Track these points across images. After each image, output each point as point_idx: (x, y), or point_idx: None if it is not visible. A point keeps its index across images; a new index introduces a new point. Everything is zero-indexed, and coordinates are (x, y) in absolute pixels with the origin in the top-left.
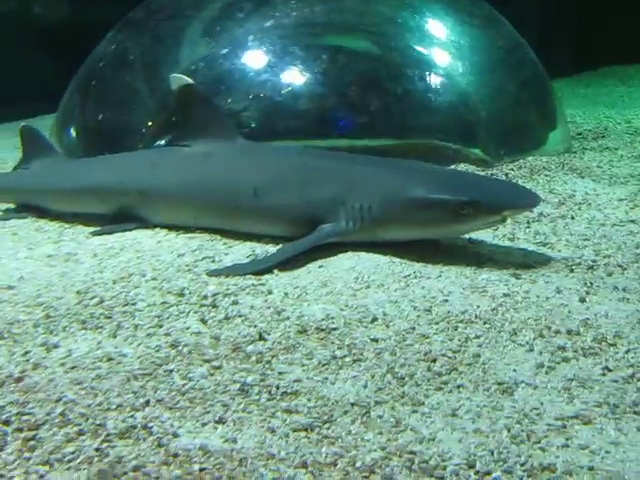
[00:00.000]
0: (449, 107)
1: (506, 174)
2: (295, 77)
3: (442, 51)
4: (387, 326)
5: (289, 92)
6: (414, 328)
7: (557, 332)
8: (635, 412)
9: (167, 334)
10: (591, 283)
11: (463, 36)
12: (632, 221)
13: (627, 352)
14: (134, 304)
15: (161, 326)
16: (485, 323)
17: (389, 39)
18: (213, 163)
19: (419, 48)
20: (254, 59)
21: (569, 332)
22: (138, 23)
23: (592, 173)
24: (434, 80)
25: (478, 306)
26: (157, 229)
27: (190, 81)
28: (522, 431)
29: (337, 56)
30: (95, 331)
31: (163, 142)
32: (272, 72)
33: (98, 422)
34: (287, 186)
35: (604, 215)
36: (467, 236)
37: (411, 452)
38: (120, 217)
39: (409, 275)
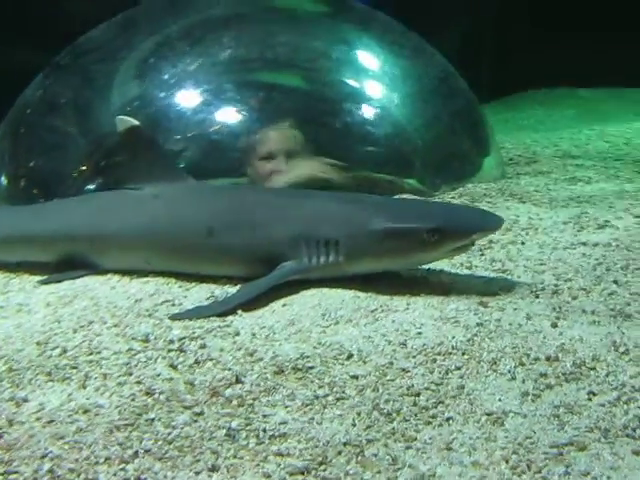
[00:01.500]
0: (384, 139)
1: (448, 202)
2: (232, 115)
3: (376, 83)
4: (364, 362)
5: (226, 130)
6: (392, 363)
7: (536, 359)
8: (627, 435)
9: (139, 382)
10: (559, 308)
11: (396, 67)
12: (583, 243)
13: (607, 375)
14: (99, 352)
15: (131, 374)
16: (463, 354)
17: (323, 74)
18: (164, 205)
19: (353, 82)
20: (189, 98)
21: (548, 358)
22: (66, 67)
23: (532, 198)
24: (369, 113)
25: (453, 337)
26: (109, 275)
27: (136, 122)
28: (520, 461)
29: (273, 93)
30: (63, 382)
31: (94, 187)
32: (208, 111)
33: (90, 477)
34: (243, 225)
35: (553, 239)
36: (426, 267)
37: None
38: (68, 264)
39: (376, 309)
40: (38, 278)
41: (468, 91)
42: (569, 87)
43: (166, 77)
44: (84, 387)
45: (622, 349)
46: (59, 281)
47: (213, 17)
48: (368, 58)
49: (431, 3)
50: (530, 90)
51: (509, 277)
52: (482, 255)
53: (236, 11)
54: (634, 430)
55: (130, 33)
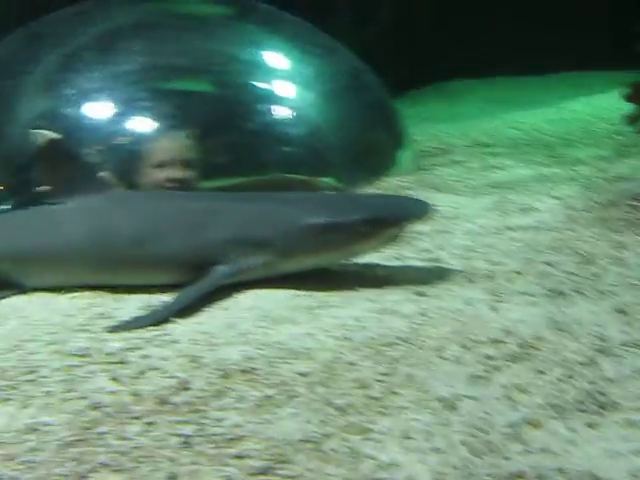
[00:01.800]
0: (300, 139)
1: None
2: (146, 124)
3: (289, 83)
4: (311, 359)
5: (140, 140)
6: (339, 357)
7: (481, 342)
8: (579, 410)
9: (83, 397)
10: (496, 291)
11: (307, 67)
12: (509, 228)
13: (552, 353)
14: (37, 371)
15: (73, 390)
16: (408, 343)
17: (235, 77)
18: (89, 217)
19: (266, 83)
20: (101, 109)
21: (492, 341)
22: None
23: (451, 187)
24: (283, 113)
25: (396, 327)
26: (36, 293)
27: (55, 135)
28: (479, 443)
29: (186, 99)
30: (5, 403)
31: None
32: (121, 121)
33: None
34: (173, 232)
35: (479, 226)
36: (358, 262)
37: (379, 479)
38: None
39: (315, 306)
40: None
41: (380, 86)
42: (473, 78)
43: (76, 89)
44: (27, 407)
45: (563, 327)
46: None
47: (121, 26)
48: (279, 59)
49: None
50: (435, 83)
51: (441, 265)
52: (411, 246)
53: (144, 19)
54: (585, 404)
55: (36, 46)
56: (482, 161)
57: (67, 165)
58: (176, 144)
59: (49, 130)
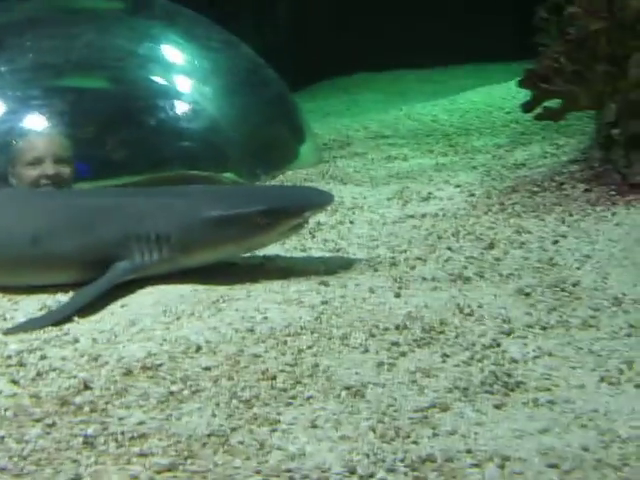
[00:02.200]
0: (198, 134)
1: None
2: (39, 122)
3: (186, 78)
4: (214, 353)
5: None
6: (243, 350)
7: (386, 329)
8: (486, 392)
9: None
10: (400, 278)
11: (205, 61)
12: (410, 216)
13: (457, 337)
14: None
15: None
16: (313, 333)
17: (131, 72)
18: None
19: (163, 78)
20: None
21: (397, 327)
22: None
23: (352, 179)
24: (181, 109)
25: (300, 317)
26: None
27: None
28: (388, 429)
29: (80, 96)
30: None
31: None
32: (14, 118)
33: None
34: (69, 229)
35: (380, 215)
36: (261, 254)
37: (288, 470)
38: None
39: (217, 300)
40: None
41: (278, 80)
42: (369, 72)
43: None
44: None
45: (467, 310)
46: None
47: (11, 22)
48: (176, 53)
49: None
50: (332, 77)
51: (345, 255)
52: (313, 237)
53: (35, 15)
54: (491, 385)
55: None
56: (382, 152)
57: None
58: (47, 141)
59: None
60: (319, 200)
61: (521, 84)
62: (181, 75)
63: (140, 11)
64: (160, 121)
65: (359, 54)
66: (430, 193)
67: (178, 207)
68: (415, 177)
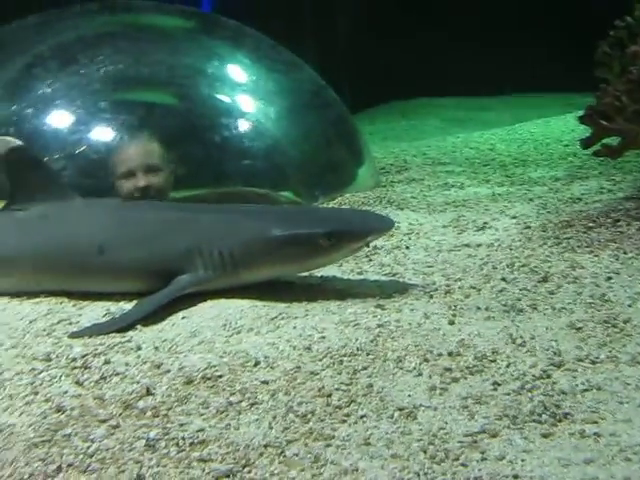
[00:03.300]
0: (260, 153)
1: None
2: (108, 134)
3: (251, 98)
4: (272, 368)
5: (102, 151)
6: (300, 367)
7: (439, 355)
8: (534, 420)
9: (47, 400)
10: (454, 306)
11: (269, 82)
12: (466, 245)
13: (508, 366)
14: (0, 374)
15: (37, 393)
16: (368, 354)
17: (198, 90)
18: (52, 224)
19: (228, 97)
20: (63, 118)
21: (450, 354)
22: None
23: (409, 204)
24: (245, 127)
25: (356, 339)
26: None
27: (19, 142)
28: (438, 451)
29: (148, 111)
30: None
31: None
32: (83, 130)
33: None
34: (136, 240)
35: (436, 242)
36: (318, 274)
37: None
38: None
39: (276, 317)
40: None
41: (339, 103)
42: (428, 97)
43: (38, 97)
44: None
45: (519, 341)
46: None
47: (85, 36)
48: (242, 73)
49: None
50: (391, 101)
51: (400, 280)
52: (370, 261)
53: (107, 30)
54: (540, 415)
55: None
56: (439, 179)
57: (31, 172)
58: (137, 152)
59: (12, 137)
60: (381, 225)
61: (581, 120)
62: (246, 95)
63: (209, 30)
64: (224, 139)
65: (419, 78)
66: (486, 223)
67: (243, 224)
68: (471, 206)
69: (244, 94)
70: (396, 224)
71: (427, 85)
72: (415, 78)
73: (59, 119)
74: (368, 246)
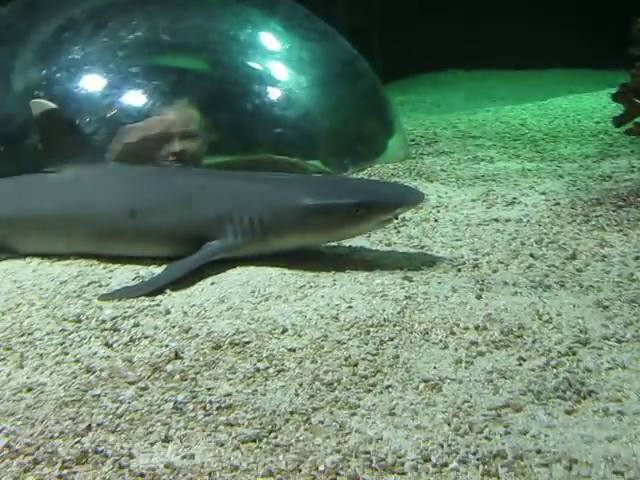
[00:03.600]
0: (291, 122)
1: None
2: (141, 99)
3: (283, 66)
4: (299, 336)
5: (134, 115)
6: (327, 336)
7: (466, 329)
8: (559, 397)
9: (77, 361)
10: (482, 280)
11: (303, 51)
12: (495, 219)
13: (534, 342)
14: (31, 334)
15: (67, 353)
16: (395, 325)
17: (231, 57)
18: (84, 187)
19: (260, 65)
20: (95, 81)
21: (477, 328)
22: None
23: (439, 177)
24: (276, 96)
25: (384, 310)
26: (28, 258)
27: (53, 105)
28: (462, 423)
29: (181, 76)
30: (1, 363)
31: None
32: (117, 94)
33: (49, 450)
34: (167, 205)
35: (464, 216)
36: (347, 244)
37: (366, 452)
38: None
39: (304, 285)
40: None
41: (371, 73)
42: (461, 69)
43: (71, 60)
44: (22, 367)
45: (545, 317)
46: None
47: (118, 0)
48: (275, 41)
49: None
50: (422, 72)
51: (428, 253)
52: (398, 232)
53: None
54: (564, 392)
55: (33, 16)
56: (469, 153)
57: (64, 135)
58: (174, 117)
59: (47, 100)
60: (411, 198)
61: (614, 98)
62: (278, 63)
63: None
64: (255, 106)
65: (452, 50)
66: (515, 198)
67: (273, 192)
68: (501, 180)
69: (277, 62)
70: (425, 197)
71: (461, 56)
72: (449, 49)
73: (91, 83)
74: (397, 218)
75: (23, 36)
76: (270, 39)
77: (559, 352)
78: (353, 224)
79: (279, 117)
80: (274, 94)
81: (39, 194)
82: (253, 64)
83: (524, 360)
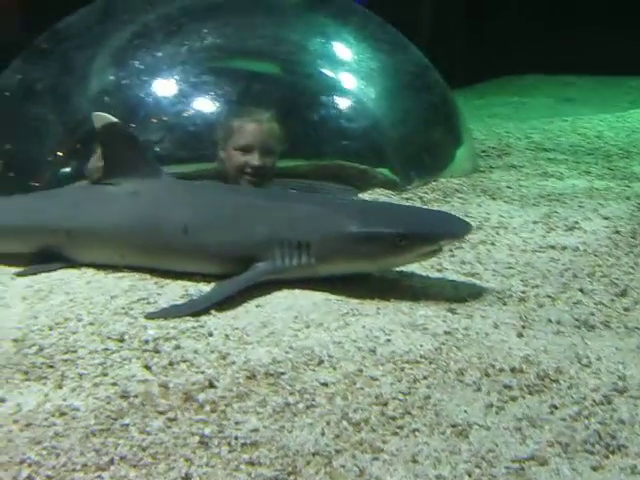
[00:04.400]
0: (359, 132)
1: (420, 197)
2: (210, 106)
3: (353, 77)
4: (334, 369)
5: (204, 121)
6: (361, 370)
7: (501, 370)
8: (586, 450)
9: (114, 383)
10: (525, 317)
11: (373, 61)
12: (551, 247)
13: (569, 388)
14: (75, 351)
15: (106, 374)
16: (431, 363)
17: (301, 66)
18: (141, 201)
19: (330, 74)
20: (167, 88)
21: (513, 370)
22: (45, 53)
23: (503, 194)
24: (345, 105)
25: (421, 345)
26: (83, 269)
27: (114, 119)
28: (483, 475)
29: (251, 83)
30: (39, 382)
31: (69, 169)
32: (187, 101)
33: None
34: (219, 223)
35: (522, 240)
36: (397, 269)
37: None
38: (43, 257)
39: (347, 313)
40: (14, 270)
41: (443, 84)
42: (542, 73)
43: (144, 66)
44: (60, 387)
45: (584, 361)
46: (35, 274)
47: (191, 7)
48: (345, 51)
49: None
50: (505, 76)
51: (478, 282)
52: (452, 256)
53: (214, 1)
54: (593, 445)
55: (109, 21)
56: (539, 167)
57: (124, 148)
58: (259, 129)
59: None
60: (456, 230)
61: None
62: (348, 73)
63: (316, 6)
64: (323, 117)
65: (535, 54)
66: (576, 222)
67: (322, 217)
68: (565, 201)
69: (346, 72)
70: (486, 215)
71: (543, 60)
72: (531, 52)
73: (162, 88)
74: (442, 250)
75: (99, 40)
76: (341, 49)
77: (594, 400)
78: (396, 254)
79: (347, 127)
80: (342, 104)
81: (97, 206)
82: (322, 74)
83: (556, 408)
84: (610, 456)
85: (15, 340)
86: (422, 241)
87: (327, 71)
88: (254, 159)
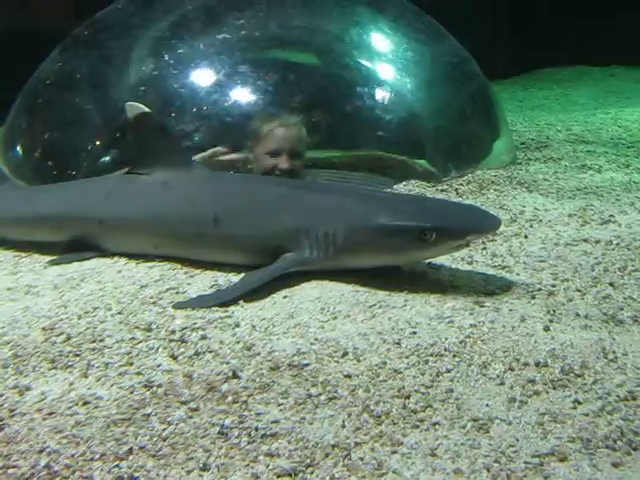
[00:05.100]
0: (397, 122)
1: (456, 189)
2: (246, 96)
3: (390, 67)
4: (358, 361)
5: (240, 111)
6: (385, 363)
7: (526, 364)
8: (608, 447)
9: (139, 373)
10: (553, 310)
11: (410, 52)
12: (585, 240)
13: (594, 383)
14: (102, 340)
15: (132, 364)
16: (455, 356)
17: (338, 57)
18: (172, 191)
19: (367, 65)
20: (204, 78)
21: (537, 364)
22: (84, 42)
23: (539, 187)
24: (383, 96)
25: (446, 338)
26: (115, 258)
27: (146, 109)
28: (501, 470)
29: (288, 74)
30: (65, 370)
31: (108, 158)
32: (222, 91)
33: (85, 474)
34: (248, 214)
35: (556, 233)
36: (427, 261)
37: None
38: (76, 246)
39: (374, 305)
40: (48, 258)
41: (481, 75)
42: (587, 65)
43: (181, 56)
44: (85, 376)
45: (611, 356)
46: (68, 262)
47: None
48: (382, 42)
49: None
50: (548, 68)
51: (508, 275)
52: (484, 249)
53: None
54: (615, 441)
55: (147, 11)
56: (577, 160)
57: (156, 139)
58: (288, 134)
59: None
60: (485, 225)
61: None
62: (385, 64)
63: None
64: (359, 107)
65: (580, 46)
66: (612, 216)
67: (350, 209)
68: (602, 194)
69: (383, 63)
70: (521, 207)
71: (588, 52)
72: (576, 45)
73: (199, 79)
74: (468, 245)
75: (137, 31)
76: (377, 40)
77: (618, 396)
78: (422, 248)
79: (384, 117)
80: (379, 95)
81: (129, 195)
82: (360, 64)
83: (579, 403)
84: (632, 452)
85: (44, 329)
86: (448, 236)
87: (364, 61)
88: (283, 162)
